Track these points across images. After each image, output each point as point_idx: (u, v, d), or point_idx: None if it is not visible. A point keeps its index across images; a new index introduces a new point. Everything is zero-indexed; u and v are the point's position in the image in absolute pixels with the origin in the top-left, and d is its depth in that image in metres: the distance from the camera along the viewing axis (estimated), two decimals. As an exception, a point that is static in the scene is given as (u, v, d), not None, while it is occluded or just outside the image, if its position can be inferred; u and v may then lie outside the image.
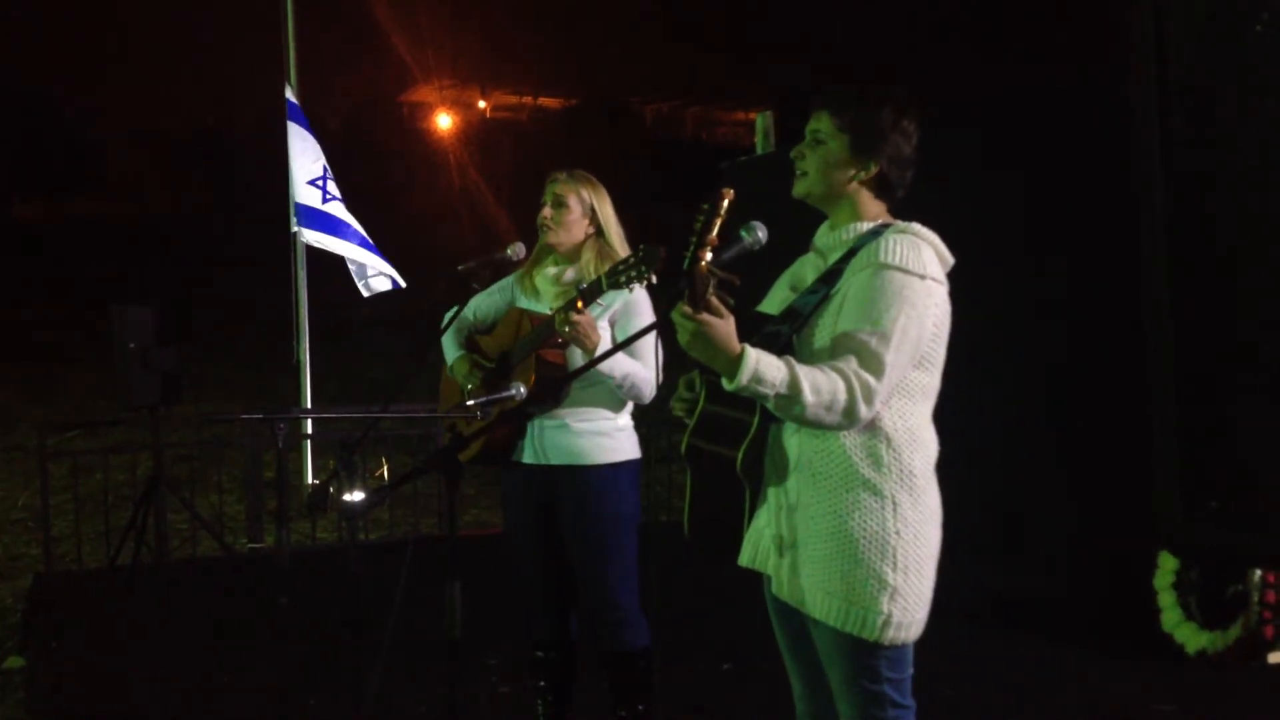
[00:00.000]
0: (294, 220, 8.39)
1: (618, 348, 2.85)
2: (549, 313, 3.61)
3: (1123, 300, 5.13)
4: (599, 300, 3.44)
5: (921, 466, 2.54)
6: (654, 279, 3.28)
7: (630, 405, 3.74)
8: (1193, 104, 4.63)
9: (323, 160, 8.49)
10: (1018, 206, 6.07)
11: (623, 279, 3.22)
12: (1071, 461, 5.93)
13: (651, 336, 3.31)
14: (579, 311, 3.40)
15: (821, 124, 2.64)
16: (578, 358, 3.55)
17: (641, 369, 3.57)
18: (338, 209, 8.41)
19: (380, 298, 8.69)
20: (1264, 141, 4.46)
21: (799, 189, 2.68)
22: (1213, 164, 4.64)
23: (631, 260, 3.22)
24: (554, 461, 3.68)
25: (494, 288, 3.94)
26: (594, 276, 3.48)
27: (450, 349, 3.93)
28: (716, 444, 2.59)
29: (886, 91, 2.65)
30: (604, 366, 3.45)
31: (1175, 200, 4.69)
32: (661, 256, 3.23)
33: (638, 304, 3.67)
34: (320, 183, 8.43)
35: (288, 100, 8.48)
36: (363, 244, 8.37)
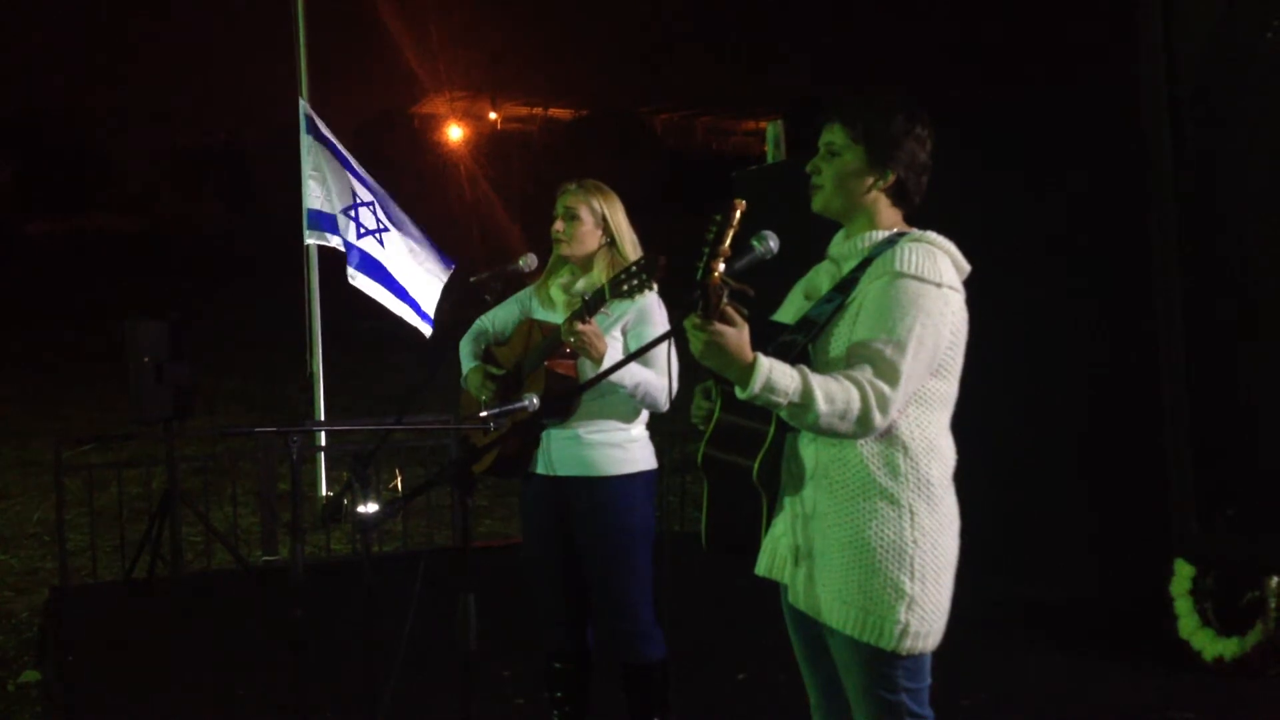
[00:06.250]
0: (306, 234, 8.16)
1: (630, 358, 2.85)
2: (559, 323, 3.61)
3: (1138, 307, 5.12)
4: (605, 309, 3.44)
5: (939, 475, 2.53)
6: (655, 287, 3.28)
7: (644, 415, 3.73)
8: (1203, 111, 4.62)
9: (352, 186, 8.09)
10: (1033, 214, 6.07)
11: (625, 288, 3.24)
12: (1087, 469, 5.91)
13: (666, 344, 3.31)
14: (585, 321, 3.40)
15: (834, 136, 2.63)
16: (588, 369, 3.54)
17: (655, 377, 3.55)
18: (370, 245, 7.99)
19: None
20: (1276, 149, 4.46)
21: (817, 203, 2.67)
22: (1224, 170, 4.63)
23: (633, 269, 3.24)
24: (566, 473, 3.68)
25: (511, 299, 3.94)
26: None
27: (465, 360, 3.93)
28: (732, 453, 2.58)
29: (897, 98, 2.64)
30: (616, 376, 3.43)
31: (1187, 206, 4.68)
32: (661, 265, 3.23)
33: (651, 312, 3.66)
34: (353, 213, 8.04)
35: (311, 117, 8.19)
36: (393, 288, 7.99)
